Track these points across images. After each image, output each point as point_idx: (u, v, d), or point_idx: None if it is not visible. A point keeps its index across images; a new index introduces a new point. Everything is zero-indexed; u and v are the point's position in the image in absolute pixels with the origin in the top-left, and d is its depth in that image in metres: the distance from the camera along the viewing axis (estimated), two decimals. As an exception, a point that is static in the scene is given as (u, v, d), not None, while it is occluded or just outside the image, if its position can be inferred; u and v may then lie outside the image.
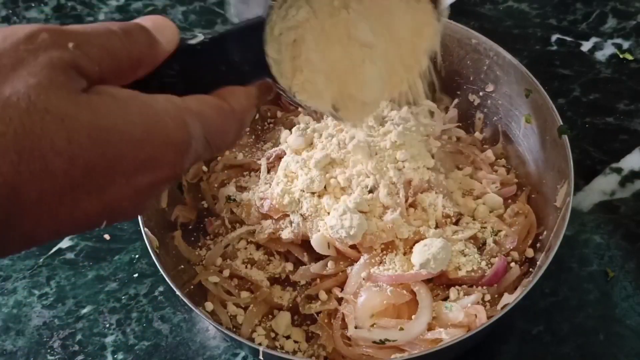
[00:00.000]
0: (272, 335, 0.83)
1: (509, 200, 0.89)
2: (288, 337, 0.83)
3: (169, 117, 0.42)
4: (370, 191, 0.81)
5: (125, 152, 0.39)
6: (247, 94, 0.49)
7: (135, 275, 0.94)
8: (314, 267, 0.82)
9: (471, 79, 0.95)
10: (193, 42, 0.48)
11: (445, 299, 0.80)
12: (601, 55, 1.13)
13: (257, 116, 0.98)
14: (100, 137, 0.38)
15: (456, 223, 0.85)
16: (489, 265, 0.82)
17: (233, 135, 0.47)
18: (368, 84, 0.61)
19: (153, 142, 0.40)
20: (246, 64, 0.50)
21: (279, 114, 0.98)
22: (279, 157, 0.87)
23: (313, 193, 0.82)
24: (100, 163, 0.38)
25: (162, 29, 0.45)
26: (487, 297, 0.80)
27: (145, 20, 0.45)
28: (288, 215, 0.83)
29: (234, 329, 0.82)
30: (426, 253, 0.77)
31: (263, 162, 0.89)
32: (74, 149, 0.37)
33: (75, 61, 0.39)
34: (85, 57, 0.39)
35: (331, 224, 0.78)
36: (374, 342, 0.76)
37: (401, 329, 0.76)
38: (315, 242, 0.81)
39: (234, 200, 0.88)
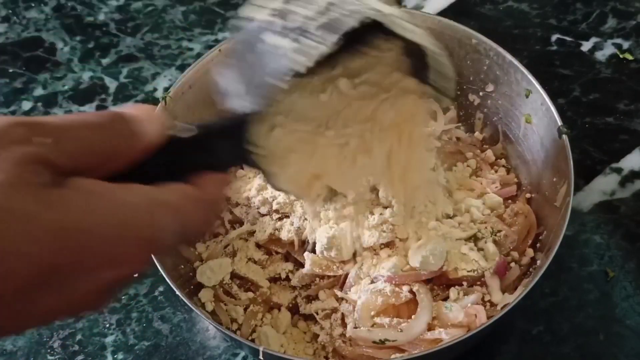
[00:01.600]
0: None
1: (509, 200, 0.89)
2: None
3: (141, 214, 0.41)
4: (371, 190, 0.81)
5: (92, 250, 0.38)
6: (221, 182, 0.48)
7: (135, 275, 0.94)
8: (305, 269, 0.82)
9: (471, 79, 0.95)
10: (182, 134, 0.48)
11: (445, 299, 0.80)
12: (601, 55, 1.13)
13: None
14: (66, 237, 0.37)
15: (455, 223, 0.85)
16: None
17: (205, 225, 0.48)
18: (351, 179, 0.63)
19: (121, 240, 0.40)
20: (229, 154, 0.51)
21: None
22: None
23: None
24: (64, 262, 0.37)
25: (148, 121, 0.44)
26: (487, 297, 0.80)
27: (131, 110, 0.44)
28: (288, 216, 0.83)
29: (234, 329, 0.82)
30: (423, 251, 0.77)
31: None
32: (38, 250, 0.36)
33: (47, 157, 0.38)
34: (60, 152, 0.38)
35: (321, 242, 0.78)
36: (374, 342, 0.76)
37: (401, 329, 0.76)
38: (307, 258, 0.81)
39: (235, 204, 0.88)
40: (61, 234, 0.37)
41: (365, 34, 0.56)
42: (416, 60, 0.61)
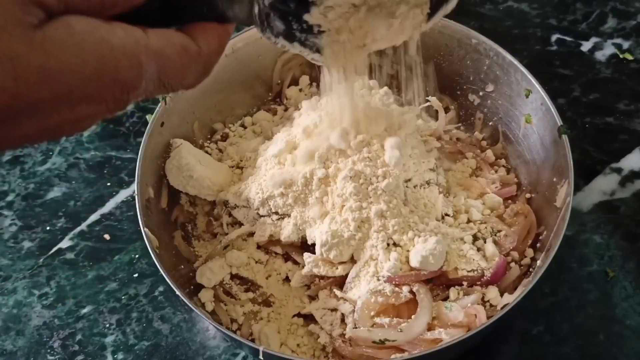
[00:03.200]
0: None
1: (509, 200, 0.89)
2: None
3: (124, 55, 0.41)
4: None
5: (73, 87, 0.40)
6: (220, 35, 0.47)
7: (135, 275, 0.94)
8: (305, 270, 0.82)
9: (471, 79, 0.95)
10: None
11: (445, 299, 0.80)
12: (601, 55, 1.13)
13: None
14: (49, 77, 0.39)
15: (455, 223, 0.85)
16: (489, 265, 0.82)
17: (193, 78, 0.46)
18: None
19: (102, 80, 0.41)
20: (230, 8, 0.48)
21: (279, 111, 0.99)
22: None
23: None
24: (46, 98, 0.40)
25: None
26: (487, 297, 0.80)
27: None
28: (288, 216, 0.83)
29: (234, 329, 0.82)
30: (423, 251, 0.77)
31: (259, 162, 0.88)
32: (20, 87, 0.38)
33: None
34: None
35: (320, 243, 0.78)
36: (374, 342, 0.76)
37: (401, 329, 0.76)
38: (306, 259, 0.81)
39: (234, 206, 0.87)
40: (45, 74, 0.39)
41: None
42: None
